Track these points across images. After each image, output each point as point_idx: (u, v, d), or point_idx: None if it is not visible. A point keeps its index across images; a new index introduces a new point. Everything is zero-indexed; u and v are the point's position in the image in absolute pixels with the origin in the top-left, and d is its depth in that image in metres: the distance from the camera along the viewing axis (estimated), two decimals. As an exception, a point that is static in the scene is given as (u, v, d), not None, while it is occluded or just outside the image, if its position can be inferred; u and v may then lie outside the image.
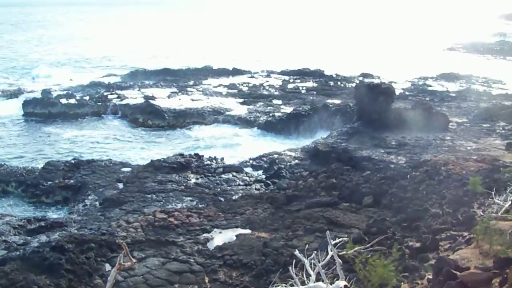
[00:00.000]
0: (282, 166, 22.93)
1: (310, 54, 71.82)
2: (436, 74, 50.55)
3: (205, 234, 15.27)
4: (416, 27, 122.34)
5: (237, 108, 36.64)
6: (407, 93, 40.82)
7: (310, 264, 7.07)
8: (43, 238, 14.53)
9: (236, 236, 15.03)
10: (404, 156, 22.75)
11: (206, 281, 12.61)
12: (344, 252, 7.63)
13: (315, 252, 7.42)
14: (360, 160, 22.26)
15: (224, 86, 45.90)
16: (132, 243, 14.12)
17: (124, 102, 37.33)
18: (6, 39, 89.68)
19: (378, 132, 26.52)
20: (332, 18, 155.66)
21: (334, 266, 7.23)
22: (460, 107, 34.45)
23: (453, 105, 34.99)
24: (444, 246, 10.84)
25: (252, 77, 52.96)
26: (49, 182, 20.88)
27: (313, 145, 25.48)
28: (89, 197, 19.34)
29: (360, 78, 49.78)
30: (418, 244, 11.68)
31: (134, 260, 7.07)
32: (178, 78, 49.81)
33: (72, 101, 37.04)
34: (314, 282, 6.52)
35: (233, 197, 19.22)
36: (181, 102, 37.86)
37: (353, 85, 38.96)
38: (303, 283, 6.73)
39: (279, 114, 33.84)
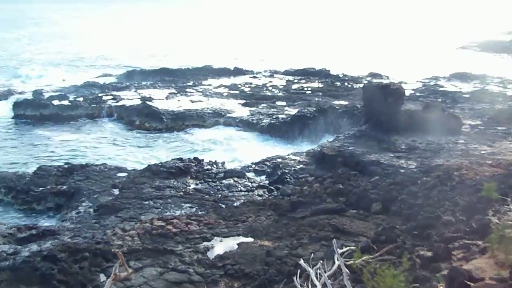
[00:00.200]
0: (286, 171, 22.91)
1: (315, 53, 71.93)
2: (449, 74, 50.51)
3: (205, 243, 15.26)
4: (427, 24, 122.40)
5: (239, 110, 36.70)
6: (417, 94, 40.80)
7: (316, 274, 7.08)
8: (34, 247, 14.54)
9: (238, 244, 15.01)
10: (414, 160, 22.70)
11: (206, 292, 12.60)
12: (351, 261, 7.63)
13: (321, 261, 7.43)
14: (368, 165, 22.23)
15: (225, 86, 46.00)
16: (128, 252, 14.13)
17: (119, 103, 37.47)
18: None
19: (387, 135, 26.48)
20: (339, 16, 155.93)
21: (341, 277, 7.24)
22: (474, 108, 34.39)
23: (467, 107, 34.94)
24: (457, 256, 10.82)
25: (254, 77, 53.05)
26: (41, 188, 20.94)
27: (319, 149, 25.48)
28: (83, 204, 19.38)
29: (368, 79, 49.80)
30: (429, 253, 11.66)
31: (130, 270, 7.09)
32: (176, 79, 49.96)
33: (65, 102, 37.19)
34: (320, 293, 6.53)
35: (235, 204, 19.23)
36: (179, 103, 37.98)
37: (361, 85, 38.95)
38: (308, 294, 6.73)
39: (283, 116, 33.87)
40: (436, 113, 27.89)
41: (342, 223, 15.79)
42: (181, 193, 20.19)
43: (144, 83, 47.19)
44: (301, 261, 7.35)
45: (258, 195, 20.43)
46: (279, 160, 24.61)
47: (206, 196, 19.97)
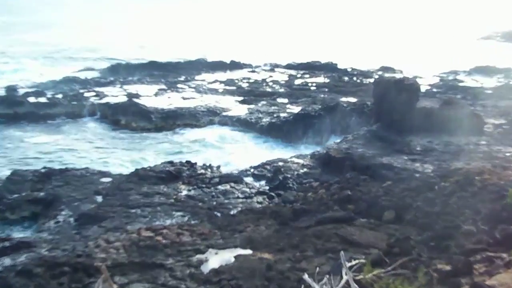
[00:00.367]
0: (289, 176, 22.90)
1: (321, 45, 72.04)
2: (469, 68, 50.65)
3: (198, 256, 15.19)
4: (445, 13, 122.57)
5: (236, 108, 36.72)
6: (434, 89, 40.88)
7: (322, 290, 7.06)
8: (7, 261, 14.49)
9: (235, 257, 14.95)
10: (431, 163, 22.70)
11: (200, 310, 12.57)
12: (361, 276, 7.62)
13: (327, 276, 7.42)
14: (380, 169, 22.23)
15: (221, 82, 46.03)
16: (113, 266, 14.08)
17: (103, 101, 37.47)
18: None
19: (401, 135, 26.50)
20: (347, 4, 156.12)
21: (350, 293, 7.22)
22: (497, 106, 34.43)
23: (489, 104, 34.98)
24: (479, 270, 10.81)
25: (253, 71, 53.12)
26: (15, 195, 20.86)
27: (325, 151, 25.48)
28: (62, 213, 19.33)
29: (380, 73, 49.91)
30: (448, 267, 11.64)
31: (115, 286, 7.09)
32: (167, 73, 50.01)
33: (42, 99, 37.17)
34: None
35: (231, 212, 19.20)
36: (170, 101, 37.99)
37: (372, 80, 39.02)
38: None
39: (285, 115, 33.89)
40: (455, 111, 27.90)
41: (351, 233, 15.75)
42: (172, 200, 20.15)
43: (130, 78, 47.20)
44: (306, 276, 7.35)
45: (257, 202, 20.40)
46: (280, 163, 24.60)
47: (200, 204, 19.93)
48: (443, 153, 24.20)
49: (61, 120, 35.01)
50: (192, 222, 17.99)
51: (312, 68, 53.26)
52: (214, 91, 41.98)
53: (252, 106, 37.21)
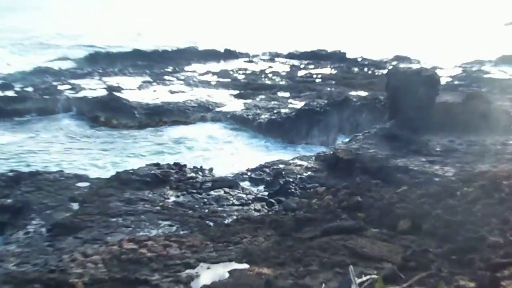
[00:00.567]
0: (290, 180, 22.92)
1: (327, 31, 72.08)
2: (496, 57, 50.73)
3: (188, 271, 15.18)
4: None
5: (231, 103, 36.75)
6: (456, 82, 40.93)
7: (328, 309, 7.07)
8: (-29, 276, 14.48)
9: (230, 272, 14.94)
10: (452, 166, 22.71)
11: (190, 333, 12.56)
12: (372, 293, 7.63)
13: (335, 293, 7.43)
14: (394, 172, 22.24)
15: (214, 73, 46.08)
16: (91, 283, 14.07)
17: (80, 95, 37.44)
18: None
19: (418, 134, 26.51)
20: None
21: (360, 313, 7.23)
22: (527, 100, 34.52)
23: (518, 98, 35.06)
24: (507, 287, 10.83)
25: (250, 61, 53.18)
26: (-21, 202, 20.84)
27: (331, 152, 25.49)
28: (33, 222, 19.27)
29: (394, 63, 49.99)
30: (472, 284, 11.67)
31: (93, 305, 7.08)
32: (152, 63, 50.02)
33: (10, 93, 37.08)
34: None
35: (226, 221, 19.20)
36: (156, 94, 37.99)
37: (385, 72, 39.06)
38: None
39: (286, 110, 33.93)
40: (480, 106, 27.92)
41: (361, 245, 15.75)
42: (158, 207, 20.13)
43: (111, 69, 47.20)
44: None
45: (255, 210, 20.40)
46: (281, 166, 24.61)
47: (190, 212, 19.92)
48: (466, 154, 24.20)
49: (31, 117, 34.95)
50: (181, 232, 17.96)
51: (317, 57, 53.31)
52: (206, 84, 41.98)
53: (249, 101, 37.22)
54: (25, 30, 70.12)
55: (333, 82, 43.05)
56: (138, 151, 29.66)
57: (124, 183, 22.04)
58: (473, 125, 26.52)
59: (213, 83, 42.59)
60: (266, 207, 20.69)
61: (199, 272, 14.95)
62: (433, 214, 17.32)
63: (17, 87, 38.98)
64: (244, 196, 21.56)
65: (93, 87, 39.26)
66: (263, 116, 33.39)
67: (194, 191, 21.81)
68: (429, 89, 27.89)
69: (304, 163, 25.07)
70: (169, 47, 56.20)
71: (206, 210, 20.22)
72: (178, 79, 43.67)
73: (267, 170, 24.38)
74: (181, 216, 19.51)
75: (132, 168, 23.97)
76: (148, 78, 43.23)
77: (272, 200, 21.21)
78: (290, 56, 55.48)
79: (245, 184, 23.07)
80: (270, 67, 50.06)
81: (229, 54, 55.18)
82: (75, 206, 20.34)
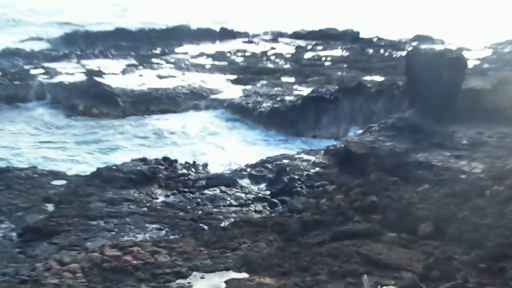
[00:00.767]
0: (296, 177, 22.91)
1: (337, 8, 71.87)
2: (530, 37, 50.55)
3: (179, 281, 15.20)
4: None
5: (228, 90, 36.73)
6: (485, 65, 40.80)
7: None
8: None
9: (226, 282, 14.97)
10: (481, 161, 22.68)
11: None
12: (390, 307, 7.63)
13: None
14: (414, 168, 22.21)
15: (208, 55, 46.01)
16: (68, 295, 14.10)
17: (55, 80, 37.40)
18: None
19: (442, 125, 26.47)
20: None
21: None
22: None
23: (556, 84, 34.99)
24: (542, 298, 10.82)
25: (250, 42, 53.12)
26: None
27: (343, 146, 25.47)
28: (2, 226, 19.28)
29: (414, 44, 49.86)
30: (502, 295, 11.66)
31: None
32: (138, 44, 49.93)
33: (-25, 79, 37.10)
34: None
35: (222, 224, 19.20)
36: (142, 80, 37.94)
37: (404, 54, 38.94)
38: None
39: (291, 98, 33.89)
40: (513, 93, 27.92)
41: (377, 251, 15.75)
42: (145, 208, 20.13)
43: (90, 50, 47.07)
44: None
45: (255, 211, 20.39)
46: (285, 161, 24.59)
47: (181, 213, 19.93)
48: (497, 148, 24.14)
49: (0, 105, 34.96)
50: (171, 237, 17.97)
51: (326, 37, 53.20)
52: (200, 68, 41.91)
53: (248, 87, 37.18)
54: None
55: (345, 65, 42.97)
56: (122, 144, 29.65)
57: (106, 181, 22.01)
58: (504, 115, 26.42)
59: (207, 66, 42.51)
60: (268, 208, 20.65)
61: (192, 282, 14.95)
62: (459, 216, 17.30)
63: (-18, 72, 38.92)
64: (243, 195, 21.53)
65: (70, 72, 39.19)
66: (264, 105, 33.33)
67: (186, 190, 21.77)
68: (454, 73, 27.78)
69: (312, 158, 25.02)
70: (157, 25, 56.07)
71: (200, 212, 20.15)
72: (168, 62, 43.58)
73: (269, 166, 24.33)
74: (171, 219, 19.48)
75: (115, 164, 23.95)
76: (133, 61, 43.14)
77: (275, 200, 21.18)
78: (296, 36, 55.35)
79: (244, 182, 23.03)
80: (272, 48, 49.96)
81: (226, 34, 55.07)
82: (50, 207, 20.29)
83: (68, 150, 28.67)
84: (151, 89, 35.79)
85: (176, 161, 24.23)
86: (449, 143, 24.90)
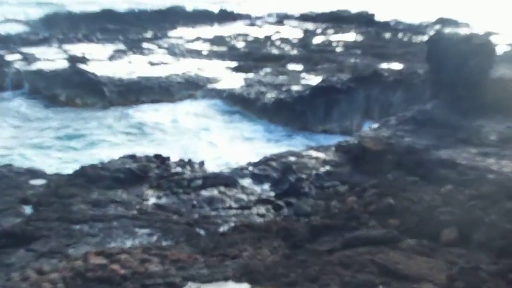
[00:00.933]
0: (304, 177, 22.90)
1: (350, -13, 71.78)
2: None
3: (172, 292, 15.23)
4: None
5: (227, 78, 36.74)
6: (517, 52, 40.80)
7: None
8: None
9: (225, 294, 15.02)
10: (511, 159, 22.68)
11: None
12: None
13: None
14: (436, 167, 22.18)
15: (205, 40, 46.03)
16: (48, 308, 14.10)
17: (33, 67, 37.41)
18: None
19: (467, 118, 26.43)
20: None
21: None
22: None
23: None
24: None
25: (252, 25, 53.11)
26: None
27: (356, 141, 25.45)
28: (-25, 230, 19.34)
29: (437, 27, 49.80)
30: (536, 310, 11.63)
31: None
32: (127, 27, 49.99)
33: None
34: None
35: (221, 229, 19.20)
36: (131, 67, 37.98)
37: (425, 38, 38.88)
38: None
39: (298, 88, 33.86)
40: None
41: (394, 260, 15.74)
42: (134, 211, 20.13)
43: (74, 34, 47.05)
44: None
45: (258, 214, 20.39)
46: (291, 158, 24.59)
47: (175, 217, 19.92)
48: (529, 144, 24.17)
49: (-29, 96, 35.06)
50: (164, 243, 17.97)
51: (338, 20, 53.23)
52: (196, 54, 41.94)
53: (250, 75, 37.18)
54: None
55: (358, 51, 42.95)
56: (108, 139, 29.65)
57: (90, 181, 21.99)
58: (538, 108, 26.48)
59: (204, 52, 42.53)
60: (273, 211, 20.64)
61: (187, 294, 14.98)
62: (486, 221, 17.27)
63: (-47, 57, 38.98)
64: (244, 197, 21.52)
65: (51, 58, 39.20)
66: (268, 95, 33.30)
67: (180, 190, 21.77)
68: (481, 60, 27.72)
69: (321, 156, 25.02)
70: (148, 6, 56.08)
71: (196, 215, 20.17)
72: (160, 47, 43.60)
73: (273, 164, 24.31)
74: (163, 223, 19.48)
75: (101, 161, 23.94)
76: (121, 46, 43.16)
77: (280, 203, 21.16)
78: (303, 18, 55.41)
79: (246, 181, 23.01)
80: (277, 32, 49.99)
81: (225, 16, 55.14)
82: (28, 209, 20.27)
83: (48, 146, 28.66)
84: (142, 78, 35.79)
85: (169, 158, 24.24)
86: (475, 138, 24.84)
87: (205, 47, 43.69)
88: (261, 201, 21.39)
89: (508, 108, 26.86)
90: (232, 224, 19.51)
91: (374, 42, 45.25)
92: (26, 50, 40.77)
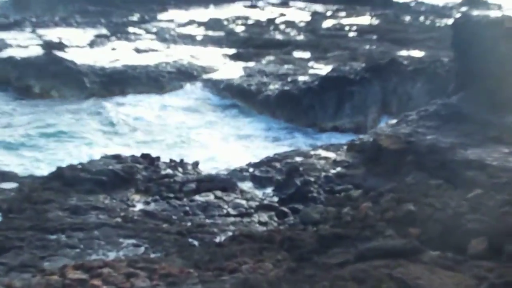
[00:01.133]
0: (311, 179, 22.91)
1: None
2: None
3: (161, 311, 15.24)
4: None
5: (225, 68, 36.72)
6: (554, 37, 40.77)
7: None
8: None
9: (222, 313, 15.02)
10: (548, 160, 22.70)
11: None
12: None
13: None
14: (463, 168, 22.17)
15: (200, 24, 45.99)
16: (20, 329, 14.10)
17: (3, 54, 37.42)
18: None
19: (498, 113, 26.43)
20: None
21: None
22: None
23: None
24: None
25: (253, 6, 53.09)
26: None
27: (371, 139, 25.46)
28: None
29: (464, 9, 49.69)
30: None
31: None
32: (110, 9, 50.01)
33: None
34: None
35: (217, 239, 19.23)
36: (115, 55, 37.94)
37: (450, 22, 38.84)
38: None
39: (305, 78, 33.82)
40: None
41: (415, 275, 15.72)
42: (119, 219, 20.15)
43: (49, 17, 47.04)
44: None
45: (259, 222, 20.41)
46: (298, 159, 24.60)
47: (165, 225, 19.94)
48: None
49: None
50: (152, 255, 17.97)
51: (350, 1, 53.14)
52: (189, 39, 41.93)
53: (251, 64, 37.18)
54: None
55: (374, 36, 42.93)
56: (88, 135, 29.58)
57: (68, 184, 21.99)
58: None
59: (198, 38, 42.51)
60: (276, 219, 20.64)
61: (178, 313, 14.97)
62: (521, 230, 17.28)
63: None
64: (243, 202, 21.51)
65: (23, 44, 39.18)
66: (271, 87, 33.27)
67: (171, 195, 21.78)
68: (514, 47, 27.77)
69: (332, 155, 25.02)
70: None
71: (189, 223, 20.18)
72: (148, 32, 43.60)
73: (277, 165, 24.32)
74: (151, 232, 19.46)
75: (81, 162, 23.91)
76: (103, 31, 43.14)
77: (285, 209, 21.15)
78: (311, -1, 55.43)
79: (246, 185, 23.02)
80: (282, 14, 49.99)
81: (222, -4, 55.15)
82: (-2, 216, 20.39)
83: (19, 144, 28.62)
84: (127, 67, 35.76)
85: (158, 158, 24.25)
86: (507, 136, 24.81)
87: (199, 32, 43.62)
88: (263, 207, 21.40)
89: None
90: (230, 234, 19.45)
91: (392, 26, 45.17)
92: (-5, 34, 40.93)
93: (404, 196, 20.11)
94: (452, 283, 15.43)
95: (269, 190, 22.80)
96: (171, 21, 46.97)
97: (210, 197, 21.67)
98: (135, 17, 47.51)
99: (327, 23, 46.73)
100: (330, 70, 33.71)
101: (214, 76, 35.42)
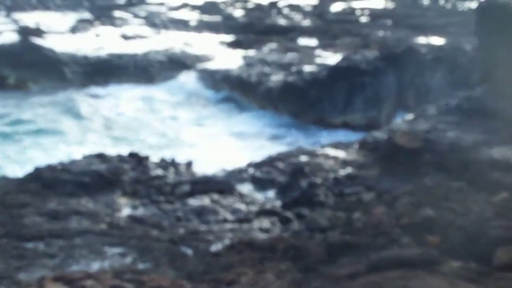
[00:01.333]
0: (318, 182, 22.96)
1: None
2: None
3: (151, 328, 15.28)
4: None
5: (222, 56, 36.76)
6: None
7: None
8: None
9: (219, 331, 15.08)
10: None
11: None
12: None
13: None
14: (487, 169, 22.24)
15: (194, 7, 46.08)
16: None
17: (-25, 41, 37.51)
18: None
19: (527, 108, 26.52)
20: None
21: None
22: None
23: None
24: None
25: (253, -12, 53.02)
26: None
27: (386, 137, 25.51)
28: None
29: (488, -8, 49.83)
30: None
31: None
32: (93, -9, 49.93)
33: None
34: None
35: (213, 248, 19.27)
36: (99, 42, 37.99)
37: (473, 6, 38.91)
38: None
39: (312, 69, 33.86)
40: None
41: (433, 287, 15.77)
42: (103, 225, 20.18)
43: (25, -1, 47.18)
44: None
45: (260, 229, 20.44)
46: (303, 158, 24.64)
47: (155, 232, 19.97)
48: None
49: None
50: (141, 265, 18.02)
51: (362, -18, 53.27)
52: (182, 25, 42.02)
53: (251, 52, 37.23)
54: None
55: (390, 22, 42.98)
56: (68, 131, 29.64)
57: (47, 186, 22.02)
58: None
59: (192, 23, 42.58)
60: (279, 225, 20.70)
61: (170, 331, 15.02)
62: (552, 239, 17.33)
63: None
64: (243, 207, 21.54)
65: (-3, 30, 39.33)
66: (274, 78, 33.32)
67: (162, 198, 21.81)
68: (546, 34, 27.85)
69: (341, 154, 25.07)
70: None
71: (182, 230, 20.26)
72: (136, 16, 43.69)
73: (280, 165, 24.35)
74: (140, 240, 19.52)
75: (61, 161, 23.95)
76: (86, 15, 43.24)
77: (289, 214, 21.19)
78: (319, -21, 55.52)
79: (245, 187, 23.05)
80: (285, -3, 50.09)
81: (219, -24, 55.21)
82: (-32, 222, 20.46)
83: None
84: (113, 55, 35.85)
85: (147, 158, 24.24)
86: (537, 134, 24.96)
87: (193, 17, 43.69)
88: (264, 212, 21.44)
89: None
90: (228, 242, 19.67)
91: (408, 11, 45.30)
92: (-35, 19, 41.06)
93: (422, 199, 20.16)
94: (475, 297, 15.51)
95: (271, 193, 22.83)
96: (162, 4, 47.15)
97: (206, 200, 21.70)
98: (122, 0, 47.60)
99: (336, 7, 46.91)
100: (339, 59, 33.78)
101: (210, 66, 35.49)
